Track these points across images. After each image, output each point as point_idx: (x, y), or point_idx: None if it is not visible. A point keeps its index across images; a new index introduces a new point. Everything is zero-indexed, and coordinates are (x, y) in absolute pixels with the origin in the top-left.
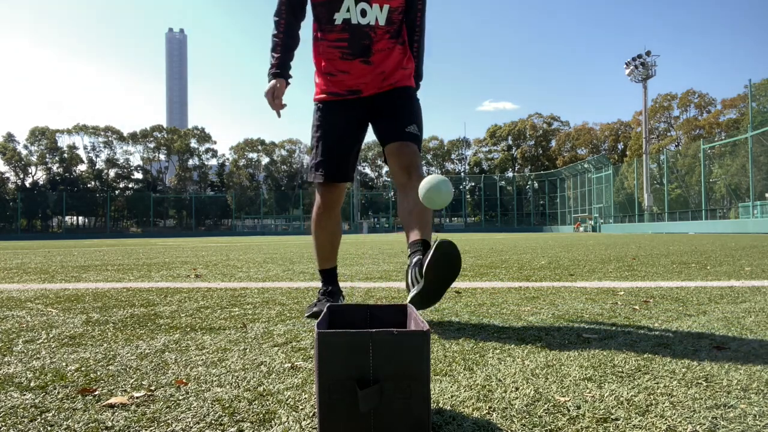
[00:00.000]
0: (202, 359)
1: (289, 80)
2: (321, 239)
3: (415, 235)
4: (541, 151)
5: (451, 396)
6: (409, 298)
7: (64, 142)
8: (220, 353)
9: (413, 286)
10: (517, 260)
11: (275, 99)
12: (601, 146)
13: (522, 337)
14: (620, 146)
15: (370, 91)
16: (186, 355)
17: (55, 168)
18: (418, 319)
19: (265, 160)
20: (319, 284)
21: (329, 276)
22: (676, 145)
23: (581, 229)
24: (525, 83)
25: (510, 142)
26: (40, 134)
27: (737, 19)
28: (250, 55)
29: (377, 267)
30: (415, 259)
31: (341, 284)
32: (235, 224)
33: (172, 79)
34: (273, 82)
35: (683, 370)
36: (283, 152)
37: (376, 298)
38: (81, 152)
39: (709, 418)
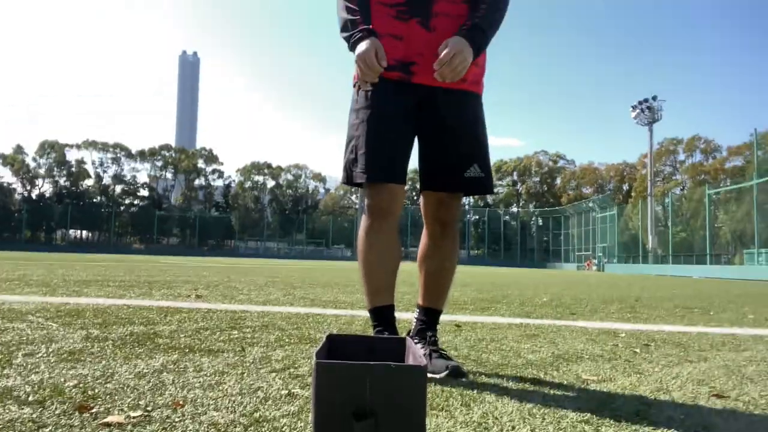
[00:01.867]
0: (200, 381)
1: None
2: (370, 263)
3: (429, 302)
4: (546, 188)
5: (447, 431)
6: (443, 375)
7: (72, 156)
8: (218, 376)
9: (439, 372)
10: (519, 295)
11: (378, 61)
12: (606, 186)
13: (520, 375)
14: (625, 187)
15: (424, 78)
16: (183, 377)
17: (62, 181)
18: (417, 354)
19: (270, 183)
20: (321, 310)
21: (383, 317)
22: (681, 189)
23: (593, 267)
24: (531, 121)
25: (515, 178)
26: (49, 147)
27: (744, 67)
28: (261, 78)
29: None
30: (436, 355)
31: (342, 312)
32: (238, 245)
33: (184, 100)
34: (367, 42)
35: (681, 417)
36: (289, 176)
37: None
38: (89, 167)
39: None
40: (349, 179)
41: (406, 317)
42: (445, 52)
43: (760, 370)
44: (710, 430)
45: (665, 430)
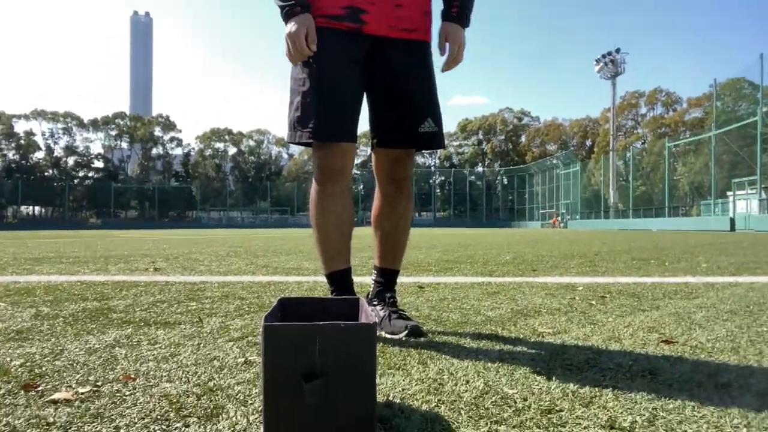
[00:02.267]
0: (153, 354)
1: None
2: (324, 227)
3: (386, 262)
4: (511, 146)
5: (402, 389)
6: (403, 336)
7: (20, 127)
8: (173, 348)
9: (399, 333)
10: (483, 255)
11: (308, 43)
12: (570, 142)
13: (479, 332)
14: (588, 142)
15: (376, 27)
16: (137, 351)
17: (10, 155)
18: (369, 313)
19: (232, 150)
20: (283, 278)
21: (340, 281)
22: (642, 143)
23: (560, 225)
24: (496, 78)
25: (481, 137)
26: None
27: (705, 19)
28: (219, 41)
29: None
30: (395, 316)
31: (305, 278)
32: (200, 216)
33: (137, 65)
34: (298, 20)
35: (630, 363)
36: (251, 143)
37: None
38: (39, 139)
39: (650, 409)
40: (295, 138)
41: (357, 280)
42: (454, 50)
43: (708, 316)
44: (656, 374)
45: (613, 375)
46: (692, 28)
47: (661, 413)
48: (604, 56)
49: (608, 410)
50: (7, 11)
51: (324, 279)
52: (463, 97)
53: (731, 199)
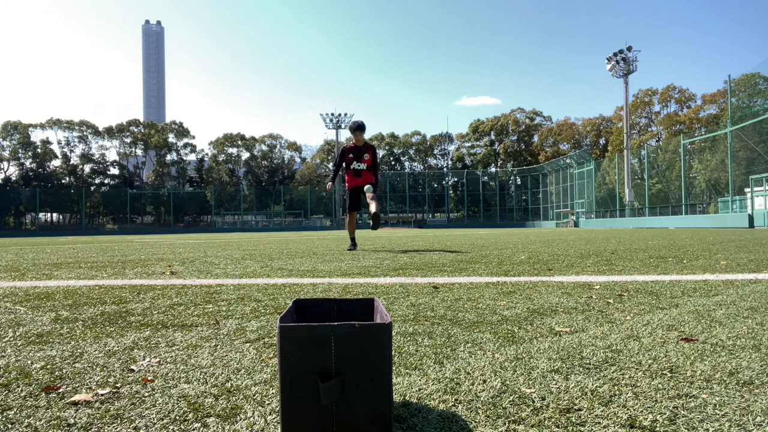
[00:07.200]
0: (171, 356)
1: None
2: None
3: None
4: (523, 147)
5: (419, 389)
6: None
7: (37, 136)
8: (190, 350)
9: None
10: (498, 255)
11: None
12: (583, 141)
13: (495, 331)
14: (602, 141)
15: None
16: (155, 352)
17: (28, 163)
18: (383, 313)
19: (245, 155)
20: (298, 280)
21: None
22: (656, 140)
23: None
24: (506, 78)
25: (492, 137)
26: (12, 129)
27: (717, 15)
28: (230, 47)
29: (357, 263)
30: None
31: (319, 280)
32: (214, 220)
33: (149, 73)
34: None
35: (649, 361)
36: (264, 147)
37: (353, 294)
38: (55, 147)
39: (670, 408)
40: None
41: (365, 282)
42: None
43: (728, 313)
44: (676, 372)
45: (633, 374)
46: (704, 24)
47: (682, 412)
48: (615, 54)
49: (628, 409)
50: (21, 21)
51: (340, 281)
52: (470, 98)
53: (749, 195)
